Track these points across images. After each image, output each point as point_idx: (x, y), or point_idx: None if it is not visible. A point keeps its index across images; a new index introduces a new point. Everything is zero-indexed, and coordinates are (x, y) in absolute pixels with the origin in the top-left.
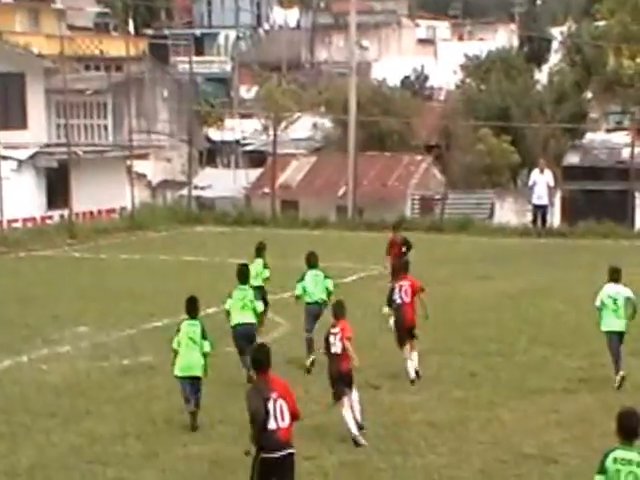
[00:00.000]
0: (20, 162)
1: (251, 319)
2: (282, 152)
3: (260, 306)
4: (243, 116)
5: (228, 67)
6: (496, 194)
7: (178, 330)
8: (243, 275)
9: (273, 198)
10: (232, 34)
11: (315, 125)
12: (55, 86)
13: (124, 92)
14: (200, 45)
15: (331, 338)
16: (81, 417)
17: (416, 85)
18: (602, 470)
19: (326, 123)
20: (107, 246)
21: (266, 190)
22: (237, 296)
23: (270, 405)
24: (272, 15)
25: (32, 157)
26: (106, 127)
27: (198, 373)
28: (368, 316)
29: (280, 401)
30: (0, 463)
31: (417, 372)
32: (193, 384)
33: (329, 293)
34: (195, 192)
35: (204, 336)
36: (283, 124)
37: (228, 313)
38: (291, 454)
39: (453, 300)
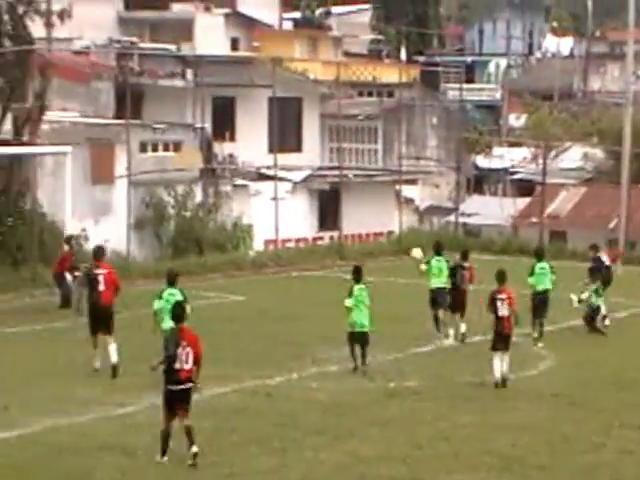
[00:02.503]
0: (295, 184)
1: None
2: (551, 181)
3: None
4: (512, 144)
5: (498, 95)
6: None
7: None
8: None
9: (541, 228)
10: (503, 62)
11: (586, 155)
12: (329, 111)
13: (395, 118)
14: (470, 72)
15: (498, 303)
16: (347, 436)
17: None
18: None
19: (598, 153)
20: (374, 269)
21: (534, 219)
22: None
23: (179, 350)
24: (544, 43)
25: (306, 179)
26: (376, 152)
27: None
28: None
29: (188, 349)
30: (271, 476)
31: None
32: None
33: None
34: (462, 219)
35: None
36: (553, 153)
37: None
38: (189, 389)
39: None
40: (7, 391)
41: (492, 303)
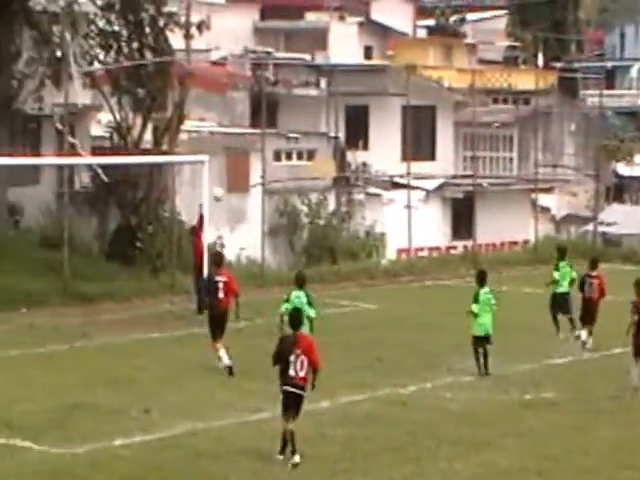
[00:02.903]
0: (428, 192)
1: None
2: None
3: None
4: None
5: (639, 101)
6: None
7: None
8: None
9: None
10: None
11: None
12: (463, 119)
13: (531, 125)
14: (611, 78)
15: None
16: (482, 447)
17: None
18: None
19: None
20: (508, 278)
21: None
22: None
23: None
24: None
25: (439, 188)
26: (511, 160)
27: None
28: None
29: (302, 357)
30: None
31: None
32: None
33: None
34: (601, 228)
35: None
36: None
37: None
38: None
39: None
40: (148, 395)
41: (635, 312)
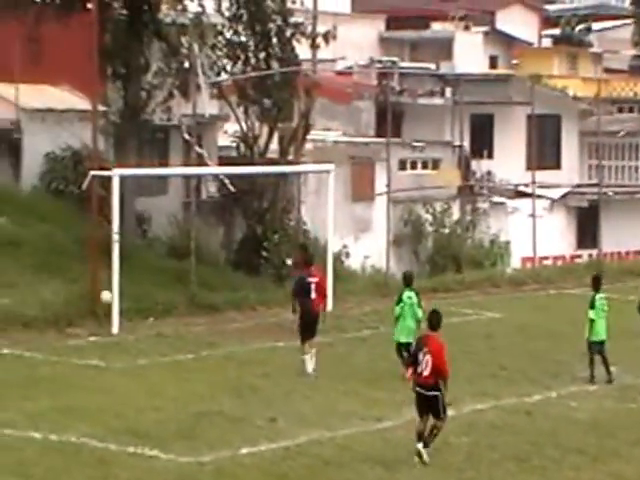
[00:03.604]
0: (553, 201)
1: None
2: None
3: None
4: None
5: None
6: None
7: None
8: None
9: None
10: None
11: None
12: (588, 128)
13: None
14: None
15: None
16: (609, 457)
17: None
18: None
19: None
20: (634, 288)
21: None
22: None
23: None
24: None
25: (564, 196)
26: (637, 169)
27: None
28: None
29: (428, 356)
30: None
31: None
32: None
33: None
34: None
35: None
36: None
37: None
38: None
39: None
40: (273, 404)
41: None
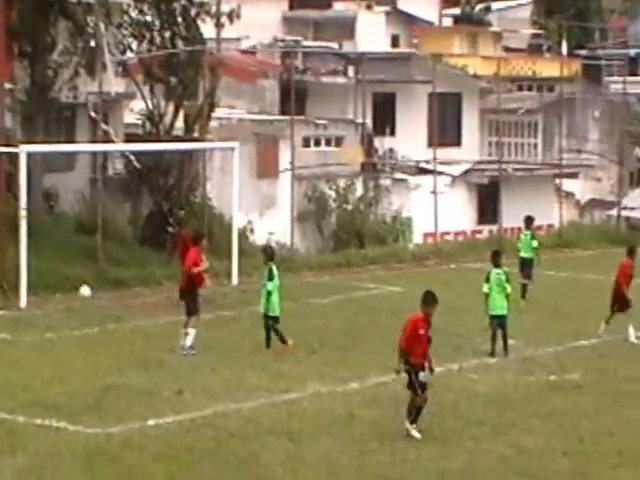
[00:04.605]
0: (454, 178)
1: None
2: None
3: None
4: None
5: None
6: None
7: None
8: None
9: None
10: None
11: None
12: (488, 106)
13: (555, 112)
14: (634, 65)
15: None
16: (508, 428)
17: None
18: None
19: None
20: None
21: None
22: None
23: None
24: None
25: (465, 173)
26: (536, 146)
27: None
28: None
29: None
30: (434, 465)
31: None
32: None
33: None
34: (624, 213)
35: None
36: None
37: None
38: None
39: None
40: (180, 377)
41: None
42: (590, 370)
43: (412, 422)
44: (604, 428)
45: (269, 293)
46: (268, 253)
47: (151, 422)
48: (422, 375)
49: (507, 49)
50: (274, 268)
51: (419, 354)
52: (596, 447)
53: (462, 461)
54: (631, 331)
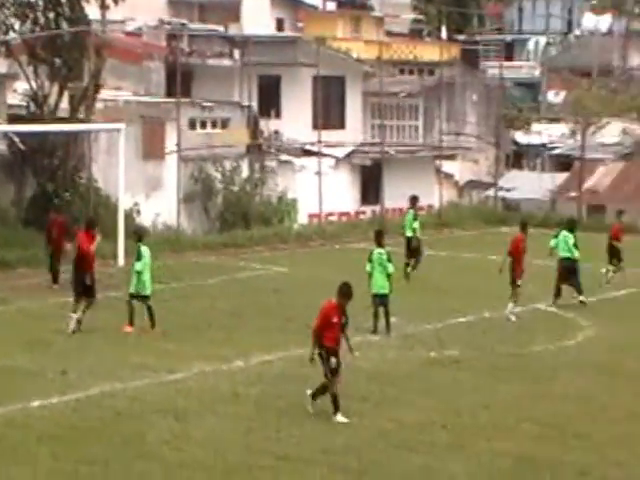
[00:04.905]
0: (338, 159)
1: None
2: (590, 157)
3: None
4: (551, 120)
5: (537, 72)
6: None
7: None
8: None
9: (580, 202)
10: (542, 40)
11: (625, 131)
12: (371, 89)
13: (435, 95)
14: (510, 50)
15: None
16: (391, 404)
17: None
18: None
19: (637, 129)
20: None
21: (572, 194)
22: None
23: None
24: (583, 21)
25: (349, 155)
26: (417, 128)
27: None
28: None
29: None
30: (317, 440)
31: None
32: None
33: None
34: (500, 193)
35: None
36: (592, 129)
37: None
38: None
39: None
40: (65, 357)
41: None
42: (468, 346)
43: (335, 411)
44: (481, 402)
45: (139, 273)
46: (137, 234)
47: (36, 403)
48: (333, 361)
49: (389, 33)
50: (143, 248)
51: (332, 339)
52: (473, 420)
53: (345, 436)
54: (509, 306)
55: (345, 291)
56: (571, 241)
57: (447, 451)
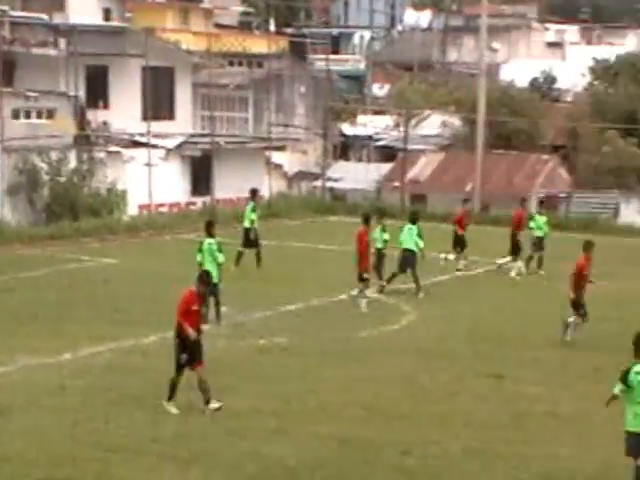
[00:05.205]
0: (168, 151)
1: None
2: (412, 148)
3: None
4: (375, 112)
5: (362, 65)
6: (622, 195)
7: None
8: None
9: (403, 192)
10: (367, 34)
11: (444, 123)
12: (201, 80)
13: (264, 87)
14: (336, 44)
15: None
16: (221, 391)
17: (544, 87)
18: (624, 380)
19: (455, 122)
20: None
21: (396, 184)
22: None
23: None
24: (405, 17)
25: (179, 146)
26: (247, 120)
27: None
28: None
29: None
30: (146, 430)
31: None
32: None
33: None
34: (328, 184)
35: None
36: (413, 121)
37: None
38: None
39: None
40: None
41: None
42: (297, 333)
43: (207, 403)
44: (309, 387)
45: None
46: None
47: None
48: (183, 356)
49: (218, 25)
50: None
51: (191, 326)
52: (302, 406)
53: (175, 424)
54: (363, 302)
55: (205, 279)
56: (414, 232)
57: (276, 436)
